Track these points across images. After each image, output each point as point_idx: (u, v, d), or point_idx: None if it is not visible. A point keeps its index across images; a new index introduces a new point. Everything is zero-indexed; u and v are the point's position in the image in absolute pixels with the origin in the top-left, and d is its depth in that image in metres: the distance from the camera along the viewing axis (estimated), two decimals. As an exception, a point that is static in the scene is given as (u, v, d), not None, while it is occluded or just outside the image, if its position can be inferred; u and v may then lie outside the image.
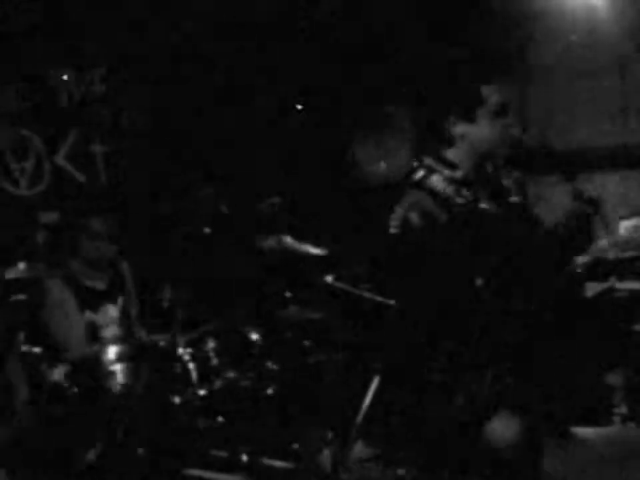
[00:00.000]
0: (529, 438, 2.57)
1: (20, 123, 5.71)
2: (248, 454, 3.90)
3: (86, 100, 5.88)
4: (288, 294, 4.69)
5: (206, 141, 5.87)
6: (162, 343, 4.03)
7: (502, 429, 2.55)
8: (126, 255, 4.44)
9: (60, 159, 5.84)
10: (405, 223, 2.64)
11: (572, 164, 2.74)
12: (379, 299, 4.32)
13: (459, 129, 2.66)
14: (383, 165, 6.02)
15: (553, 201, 2.84)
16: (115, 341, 4.12)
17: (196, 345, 4.08)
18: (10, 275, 4.71)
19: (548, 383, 2.64)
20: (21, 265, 4.75)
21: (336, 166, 6.07)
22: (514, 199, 2.75)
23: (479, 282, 2.55)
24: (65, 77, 5.79)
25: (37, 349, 4.34)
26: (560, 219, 2.67)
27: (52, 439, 3.86)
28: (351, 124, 6.14)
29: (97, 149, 5.90)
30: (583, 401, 3.80)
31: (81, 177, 5.86)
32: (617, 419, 4.19)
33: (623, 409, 4.20)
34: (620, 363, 4.23)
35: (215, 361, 4.09)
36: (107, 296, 4.32)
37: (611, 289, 4.07)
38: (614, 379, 4.24)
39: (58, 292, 4.20)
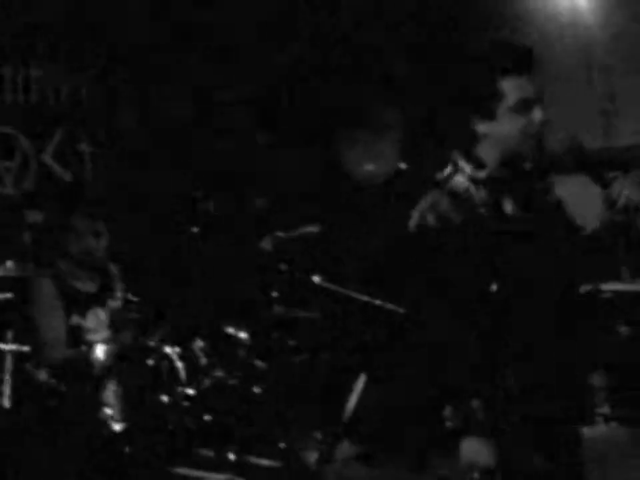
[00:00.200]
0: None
1: (6, 121, 5.69)
2: (235, 453, 3.92)
3: (74, 98, 5.87)
4: (275, 293, 4.70)
5: (195, 141, 5.88)
6: (151, 343, 4.04)
7: (476, 448, 2.50)
8: (114, 255, 4.43)
9: (47, 158, 5.83)
10: (422, 224, 2.56)
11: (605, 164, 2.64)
12: (367, 299, 4.34)
13: (482, 127, 2.56)
14: (370, 165, 6.05)
15: (582, 205, 2.70)
16: (103, 343, 4.11)
17: (184, 344, 4.10)
18: (-2, 273, 4.71)
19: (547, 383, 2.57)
20: (9, 264, 4.75)
21: (324, 165, 6.07)
22: (547, 200, 2.63)
23: (493, 288, 2.50)
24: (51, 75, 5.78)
25: (25, 348, 4.36)
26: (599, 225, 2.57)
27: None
28: (337, 123, 6.16)
29: (85, 147, 5.89)
30: (568, 401, 3.80)
31: (67, 176, 5.85)
32: (599, 419, 4.23)
33: (606, 410, 4.23)
34: (603, 364, 4.26)
35: (203, 361, 4.11)
36: (96, 299, 4.30)
37: (597, 290, 4.10)
38: (597, 379, 4.27)
39: (46, 291, 4.19)
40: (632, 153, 5.54)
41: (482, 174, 2.56)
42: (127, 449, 3.75)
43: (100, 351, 3.93)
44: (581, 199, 2.67)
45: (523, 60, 2.50)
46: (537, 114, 2.49)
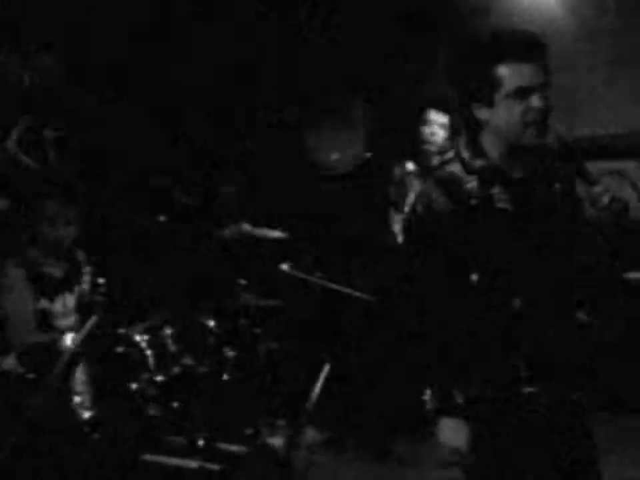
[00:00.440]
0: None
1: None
2: (204, 439, 3.94)
3: (36, 85, 5.81)
4: (243, 281, 4.72)
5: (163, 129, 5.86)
6: (119, 331, 4.04)
7: (453, 429, 2.50)
8: (82, 242, 4.42)
9: (11, 145, 5.76)
10: (413, 212, 2.57)
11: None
12: (335, 286, 4.39)
13: (483, 114, 2.51)
14: (335, 155, 6.07)
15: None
16: (70, 329, 4.11)
17: (153, 331, 4.11)
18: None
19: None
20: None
21: (293, 154, 6.08)
22: (559, 188, 2.59)
23: (474, 278, 2.47)
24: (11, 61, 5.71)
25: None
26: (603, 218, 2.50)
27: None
28: (303, 113, 6.19)
29: (49, 134, 5.84)
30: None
31: (32, 163, 5.79)
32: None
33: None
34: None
35: (172, 348, 4.12)
36: (65, 284, 4.29)
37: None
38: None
39: (13, 276, 4.17)
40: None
41: (479, 162, 2.53)
42: (96, 437, 3.75)
43: (68, 338, 3.92)
44: None
45: (525, 47, 2.46)
46: (535, 101, 2.44)
